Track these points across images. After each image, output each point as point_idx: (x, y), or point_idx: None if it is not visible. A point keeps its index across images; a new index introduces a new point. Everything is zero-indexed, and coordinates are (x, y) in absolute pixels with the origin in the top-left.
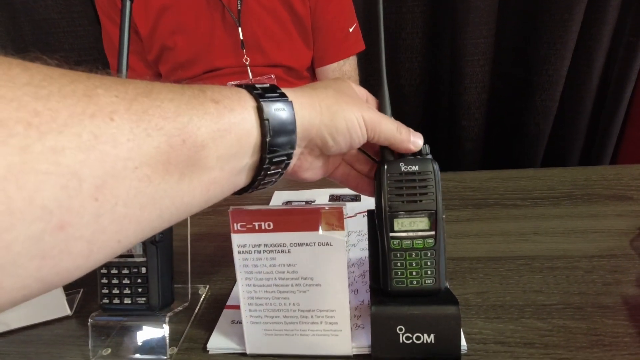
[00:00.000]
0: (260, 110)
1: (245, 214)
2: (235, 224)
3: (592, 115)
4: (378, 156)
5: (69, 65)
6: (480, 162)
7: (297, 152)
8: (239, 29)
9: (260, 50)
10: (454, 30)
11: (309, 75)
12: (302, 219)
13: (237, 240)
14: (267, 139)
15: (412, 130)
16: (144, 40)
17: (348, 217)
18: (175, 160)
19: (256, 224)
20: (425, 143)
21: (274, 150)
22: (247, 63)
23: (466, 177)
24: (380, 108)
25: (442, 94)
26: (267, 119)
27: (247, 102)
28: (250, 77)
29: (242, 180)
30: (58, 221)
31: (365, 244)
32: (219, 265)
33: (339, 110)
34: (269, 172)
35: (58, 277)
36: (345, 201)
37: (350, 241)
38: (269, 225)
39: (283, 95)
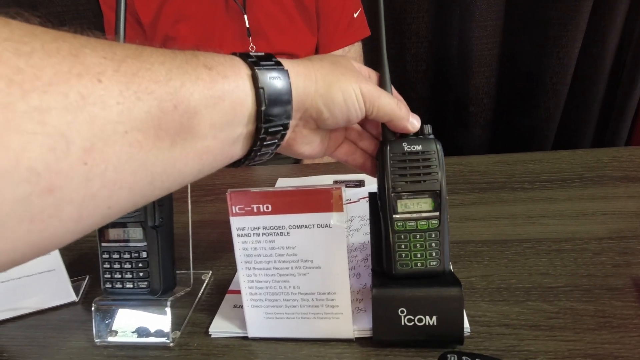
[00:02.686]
0: (255, 79)
1: (244, 196)
2: (233, 207)
3: (604, 99)
4: (380, 137)
5: (53, 26)
6: (489, 148)
7: (292, 123)
8: (245, 16)
9: (265, 37)
10: (461, 13)
11: None
12: (301, 200)
13: (236, 223)
14: (263, 108)
15: (410, 111)
16: (146, 29)
17: (351, 202)
18: (166, 126)
19: (255, 206)
20: (426, 124)
21: (269, 119)
22: (253, 51)
23: (472, 161)
24: (381, 84)
25: (449, 79)
26: (262, 88)
27: (241, 70)
28: None
29: (237, 150)
30: (46, 184)
31: (368, 228)
32: (222, 251)
33: (335, 81)
34: (264, 143)
35: (47, 242)
36: (349, 187)
37: (353, 226)
38: (267, 208)
39: (278, 63)
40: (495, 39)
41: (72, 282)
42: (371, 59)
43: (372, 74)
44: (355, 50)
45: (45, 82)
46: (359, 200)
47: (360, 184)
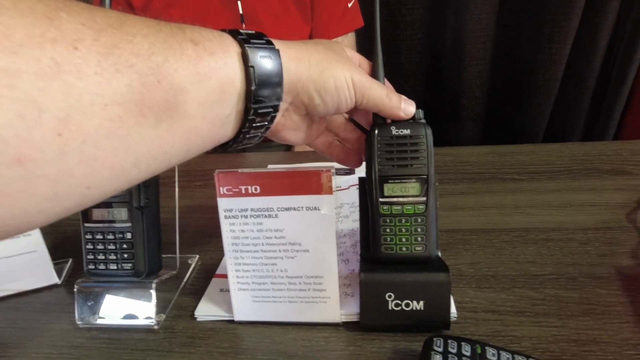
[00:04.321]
0: (244, 57)
1: (232, 177)
2: (221, 188)
3: (594, 96)
4: (369, 126)
5: None
6: (481, 142)
7: (282, 107)
8: (239, 2)
9: (258, 24)
10: (456, 6)
11: None
12: (290, 182)
13: (224, 204)
14: (252, 88)
15: (404, 97)
16: (137, 14)
17: (341, 189)
18: (150, 102)
19: (243, 187)
20: (419, 108)
21: (259, 100)
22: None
23: (463, 152)
24: (373, 73)
25: (442, 72)
26: (252, 66)
27: (230, 47)
28: None
29: (225, 132)
30: (15, 153)
31: (357, 215)
32: (210, 236)
33: (329, 67)
34: (254, 125)
35: (16, 220)
36: (340, 174)
37: (342, 213)
38: (255, 189)
39: (270, 42)
40: (489, 33)
41: (55, 264)
42: (365, 49)
43: (364, 62)
44: (348, 40)
45: (15, 42)
46: (348, 188)
47: (351, 171)
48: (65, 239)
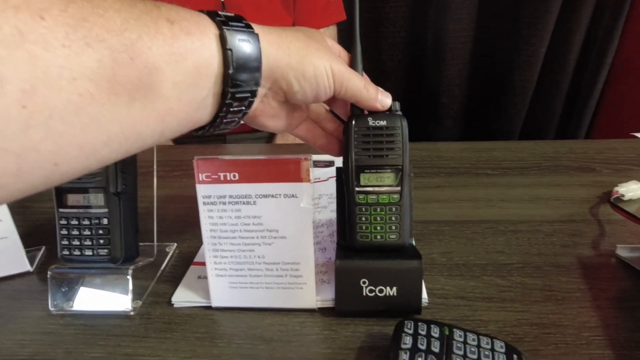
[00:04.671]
0: (222, 39)
1: (211, 164)
2: (200, 174)
3: (567, 97)
4: (347, 117)
5: None
6: (459, 139)
7: (261, 92)
8: None
9: (240, 12)
10: (437, 5)
11: None
12: (268, 170)
13: (202, 191)
14: (230, 71)
15: (381, 89)
16: None
17: (320, 180)
18: (123, 80)
19: (221, 174)
20: (395, 100)
21: (236, 84)
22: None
23: (440, 147)
24: (352, 64)
25: (423, 70)
26: (230, 49)
27: (208, 28)
28: None
29: (202, 116)
30: None
31: (335, 206)
32: (189, 225)
33: (308, 55)
34: (231, 109)
35: None
36: (319, 166)
37: (321, 203)
38: (234, 176)
39: (249, 26)
40: (469, 33)
41: (27, 252)
42: (347, 44)
43: (343, 53)
44: (330, 32)
45: None
46: (327, 179)
47: (330, 164)
48: (37, 226)
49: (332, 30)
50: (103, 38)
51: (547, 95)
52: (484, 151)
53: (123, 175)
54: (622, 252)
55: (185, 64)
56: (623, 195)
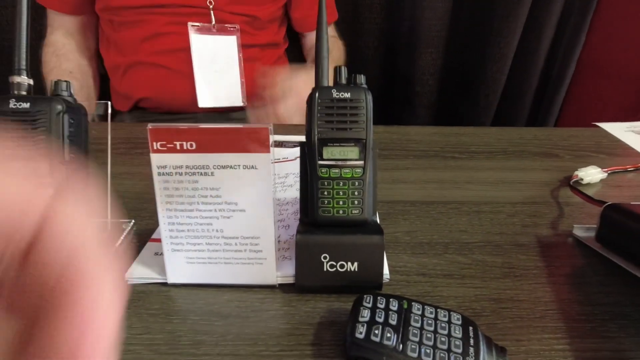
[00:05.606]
0: None
1: (166, 132)
2: (154, 143)
3: (537, 90)
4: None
5: None
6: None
7: None
8: None
9: (227, 5)
10: None
11: (272, 27)
12: (227, 139)
13: (157, 160)
14: None
15: None
16: None
17: (288, 160)
18: None
19: (177, 143)
20: (360, 74)
21: None
22: (211, 6)
23: (410, 131)
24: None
25: (398, 58)
26: None
27: None
28: (213, 23)
29: None
30: None
31: None
32: (148, 202)
33: None
34: None
35: None
36: (288, 147)
37: (287, 182)
38: (191, 145)
39: None
40: (444, 22)
41: None
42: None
43: None
44: (332, 29)
45: None
46: (295, 159)
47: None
48: None
49: (333, 28)
50: None
51: (517, 87)
52: (453, 136)
53: (71, 144)
54: (579, 231)
55: None
56: (582, 179)
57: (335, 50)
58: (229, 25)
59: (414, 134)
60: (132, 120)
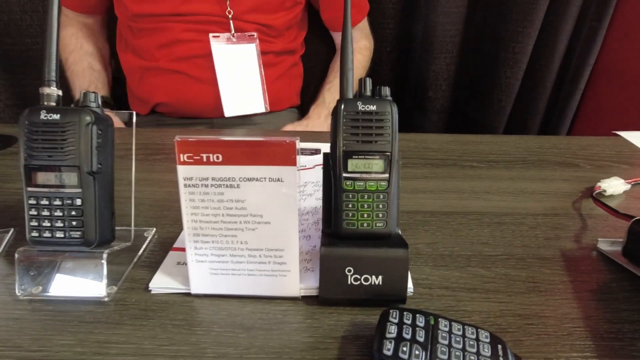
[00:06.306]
0: None
1: (193, 144)
2: (181, 155)
3: (550, 96)
4: None
5: None
6: (444, 132)
7: None
8: None
9: (242, 2)
10: None
11: (288, 35)
12: (253, 152)
13: (183, 172)
14: None
15: None
16: None
17: (306, 168)
18: None
19: (204, 155)
20: (385, 86)
21: None
22: (230, 15)
23: (427, 139)
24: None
25: (411, 62)
26: None
27: None
28: (233, 32)
29: None
30: None
31: (321, 194)
32: (168, 210)
33: None
34: None
35: None
36: (305, 154)
37: (306, 191)
38: (217, 158)
39: None
40: (458, 27)
41: None
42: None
43: None
44: (364, 25)
45: None
46: (313, 167)
47: (316, 152)
48: (6, 207)
49: (366, 22)
50: None
51: (531, 93)
52: (470, 144)
53: (98, 153)
54: (603, 245)
55: None
56: (605, 191)
57: (358, 54)
58: (248, 34)
59: (431, 141)
60: (150, 125)
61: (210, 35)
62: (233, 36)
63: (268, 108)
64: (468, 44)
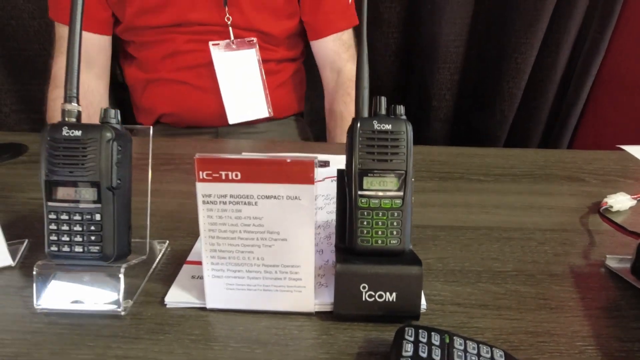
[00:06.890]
0: None
1: (212, 162)
2: (200, 172)
3: (552, 106)
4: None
5: None
6: (447, 142)
7: None
8: None
9: (241, 10)
10: (432, 8)
11: (289, 43)
12: (271, 170)
13: (202, 189)
14: None
15: None
16: None
17: (317, 181)
18: None
19: (223, 173)
20: (400, 104)
21: None
22: (229, 22)
23: (434, 152)
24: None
25: (415, 72)
26: None
27: None
28: (232, 39)
29: None
30: None
31: (332, 207)
32: (180, 221)
33: None
34: None
35: None
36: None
37: (317, 204)
38: (236, 175)
39: None
40: (462, 37)
41: (9, 245)
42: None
43: None
44: (348, 32)
45: None
46: (323, 180)
47: (326, 164)
48: (19, 219)
49: (351, 32)
50: None
51: (533, 103)
52: (477, 157)
53: (118, 170)
54: (611, 262)
55: None
56: (612, 207)
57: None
58: (248, 39)
59: (437, 154)
60: (156, 135)
61: (210, 43)
62: (232, 42)
63: (272, 113)
64: (471, 54)
